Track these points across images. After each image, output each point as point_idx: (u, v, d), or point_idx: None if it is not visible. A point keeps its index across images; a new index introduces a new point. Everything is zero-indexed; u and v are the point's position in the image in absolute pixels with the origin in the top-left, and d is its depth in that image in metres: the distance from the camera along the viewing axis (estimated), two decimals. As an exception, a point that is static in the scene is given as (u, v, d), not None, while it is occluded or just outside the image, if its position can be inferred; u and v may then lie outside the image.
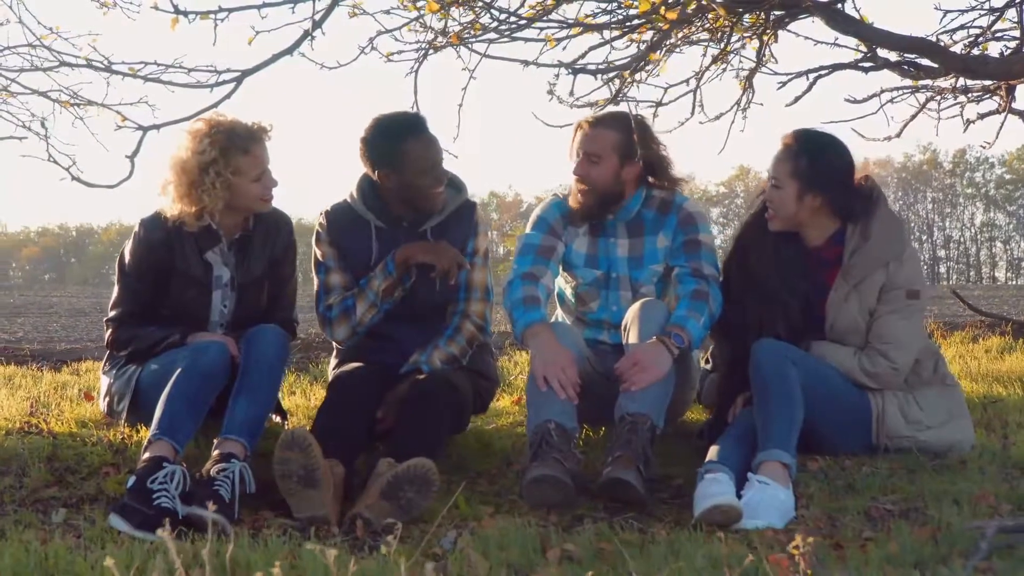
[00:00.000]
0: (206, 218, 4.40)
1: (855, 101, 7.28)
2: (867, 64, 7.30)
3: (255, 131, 4.36)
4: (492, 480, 4.30)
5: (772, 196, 4.44)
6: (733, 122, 6.91)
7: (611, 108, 4.67)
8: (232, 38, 4.20)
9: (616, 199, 4.65)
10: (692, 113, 6.72)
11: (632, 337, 4.39)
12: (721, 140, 7.36)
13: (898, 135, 7.91)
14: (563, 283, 4.88)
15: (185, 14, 3.44)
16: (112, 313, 4.51)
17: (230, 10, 3.54)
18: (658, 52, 6.94)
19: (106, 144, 5.16)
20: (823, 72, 7.43)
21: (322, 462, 3.82)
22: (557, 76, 6.10)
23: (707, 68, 7.17)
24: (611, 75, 3.74)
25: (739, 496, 3.80)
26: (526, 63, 3.67)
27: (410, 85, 5.57)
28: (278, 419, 4.70)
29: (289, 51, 3.27)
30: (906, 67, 7.15)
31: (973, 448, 4.44)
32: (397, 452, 3.95)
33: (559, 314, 5.02)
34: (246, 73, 3.30)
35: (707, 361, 4.99)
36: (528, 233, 4.73)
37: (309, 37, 3.24)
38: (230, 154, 4.29)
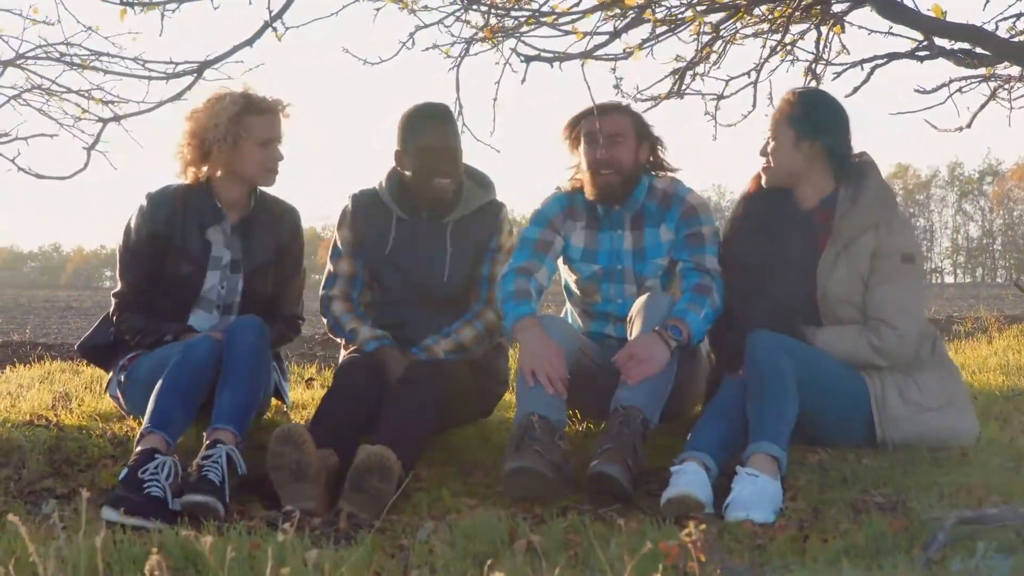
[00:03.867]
0: (211, 192, 4.51)
1: (924, 91, 7.15)
2: (923, 53, 7.20)
3: (271, 101, 4.51)
4: (487, 472, 4.30)
5: (769, 148, 4.49)
6: None
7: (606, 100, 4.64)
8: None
9: (635, 182, 4.66)
10: (754, 106, 6.67)
11: (635, 330, 4.39)
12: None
13: (968, 125, 7.78)
14: (568, 276, 4.88)
15: (132, 5, 3.47)
16: (116, 287, 4.63)
17: (181, 0, 3.56)
18: (715, 45, 6.92)
19: (140, 141, 5.19)
20: (880, 62, 7.34)
21: (315, 457, 3.87)
22: (614, 69, 6.14)
23: (766, 60, 7.13)
24: (573, 60, 3.70)
25: (728, 483, 3.81)
26: (521, 57, 3.65)
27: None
28: (280, 403, 4.84)
29: (249, 42, 3.31)
30: (960, 55, 7.03)
31: (979, 440, 4.35)
32: (378, 440, 3.98)
33: (568, 307, 5.02)
34: (204, 65, 3.33)
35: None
36: (526, 227, 4.75)
37: (269, 28, 3.26)
38: (243, 112, 4.42)
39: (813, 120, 4.42)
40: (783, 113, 4.48)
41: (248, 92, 4.47)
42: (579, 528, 3.48)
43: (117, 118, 3.69)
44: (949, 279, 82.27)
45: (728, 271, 4.55)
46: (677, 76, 7.34)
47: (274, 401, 4.81)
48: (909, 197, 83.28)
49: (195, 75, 3.33)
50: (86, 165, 3.49)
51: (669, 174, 4.80)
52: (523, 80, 3.61)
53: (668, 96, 6.80)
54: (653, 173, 4.77)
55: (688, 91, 7.51)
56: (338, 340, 4.85)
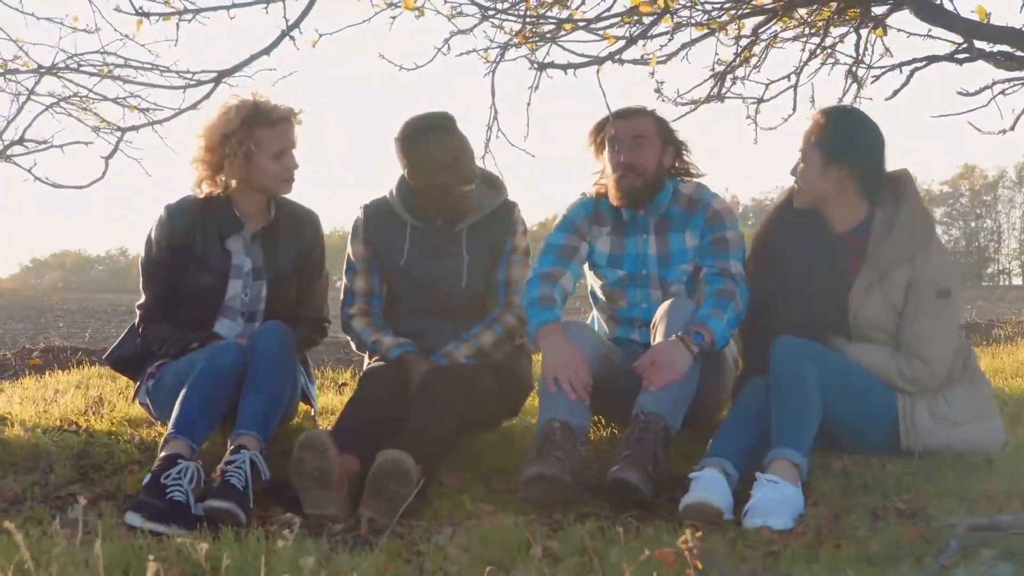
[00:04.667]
0: (229, 202, 4.55)
1: (967, 94, 7.08)
2: (962, 56, 7.14)
3: (283, 110, 4.52)
4: (508, 478, 4.31)
5: (799, 170, 4.41)
6: None
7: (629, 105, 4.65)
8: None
9: (659, 187, 4.65)
10: (794, 109, 6.66)
11: (658, 336, 4.38)
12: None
13: (1012, 128, 7.71)
14: (594, 282, 4.88)
15: (147, 15, 3.51)
16: (140, 300, 4.68)
17: (196, 11, 3.60)
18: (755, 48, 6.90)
19: (175, 148, 5.25)
20: (919, 65, 7.29)
21: (336, 464, 3.91)
22: (652, 73, 6.14)
23: (806, 63, 7.11)
24: (587, 67, 3.71)
25: (748, 490, 3.79)
26: (537, 63, 3.65)
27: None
28: (309, 408, 4.89)
29: (266, 51, 3.32)
30: (1000, 57, 6.97)
31: (1006, 446, 4.31)
32: (400, 446, 4.00)
33: (594, 313, 5.02)
34: (223, 74, 3.37)
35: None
36: (552, 233, 4.76)
37: (287, 37, 3.29)
38: (254, 125, 4.45)
39: (843, 144, 4.32)
40: (812, 135, 4.38)
41: (258, 102, 4.49)
42: (595, 535, 3.48)
43: (133, 128, 3.72)
44: (1017, 280, 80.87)
45: (757, 278, 4.52)
46: (717, 79, 7.34)
47: (302, 406, 4.85)
48: (975, 198, 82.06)
49: (214, 84, 3.35)
50: (103, 174, 3.54)
51: (695, 179, 4.79)
52: (535, 87, 3.61)
53: (708, 100, 6.80)
54: (679, 179, 4.76)
55: (728, 95, 7.52)
56: (364, 355, 4.87)
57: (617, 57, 3.87)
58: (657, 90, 5.57)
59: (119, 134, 3.98)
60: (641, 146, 4.58)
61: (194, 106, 3.34)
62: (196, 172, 4.55)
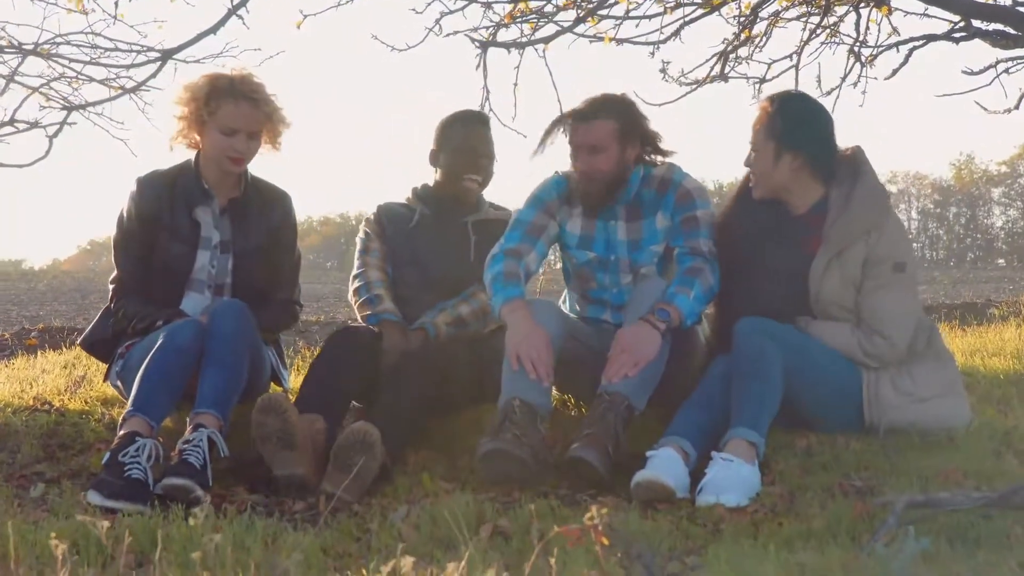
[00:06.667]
0: (199, 174, 4.61)
1: (972, 73, 7.07)
2: (959, 34, 7.12)
3: (251, 91, 4.52)
4: (474, 458, 4.31)
5: (752, 161, 4.40)
6: (838, 97, 6.83)
7: (596, 95, 4.62)
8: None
9: (621, 183, 4.62)
10: (796, 88, 6.68)
11: (628, 317, 4.38)
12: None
13: (1016, 107, 7.67)
14: (567, 260, 4.89)
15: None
16: (113, 274, 4.71)
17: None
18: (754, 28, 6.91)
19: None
20: (917, 44, 7.27)
21: (298, 425, 3.97)
22: (652, 55, 6.14)
23: (807, 42, 7.13)
24: (534, 46, 3.71)
25: (703, 470, 3.81)
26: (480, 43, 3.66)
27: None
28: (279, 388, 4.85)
29: (213, 30, 3.34)
30: (996, 36, 6.94)
31: (971, 425, 4.30)
32: (370, 418, 4.08)
33: (566, 292, 5.02)
34: (168, 53, 3.37)
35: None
36: (521, 209, 4.76)
37: (234, 16, 3.30)
38: (218, 95, 4.49)
39: (793, 131, 4.30)
40: (762, 124, 4.35)
41: (234, 77, 4.52)
42: (546, 514, 3.49)
43: (78, 107, 3.73)
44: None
45: (721, 262, 4.50)
46: (720, 58, 7.34)
47: (274, 387, 4.87)
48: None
49: (159, 63, 3.36)
50: (47, 153, 3.56)
51: (665, 159, 4.76)
52: (477, 67, 3.61)
53: (711, 80, 6.82)
54: (650, 162, 4.72)
55: (732, 75, 7.52)
56: (352, 296, 4.94)
57: (571, 32, 3.85)
58: (662, 70, 5.59)
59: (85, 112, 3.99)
60: (596, 153, 4.52)
61: (139, 86, 3.35)
62: (172, 139, 4.63)
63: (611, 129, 4.52)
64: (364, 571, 2.59)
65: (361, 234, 5.07)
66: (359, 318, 4.89)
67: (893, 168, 73.77)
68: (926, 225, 69.35)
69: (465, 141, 4.90)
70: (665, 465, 3.80)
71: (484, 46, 3.55)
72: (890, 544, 2.79)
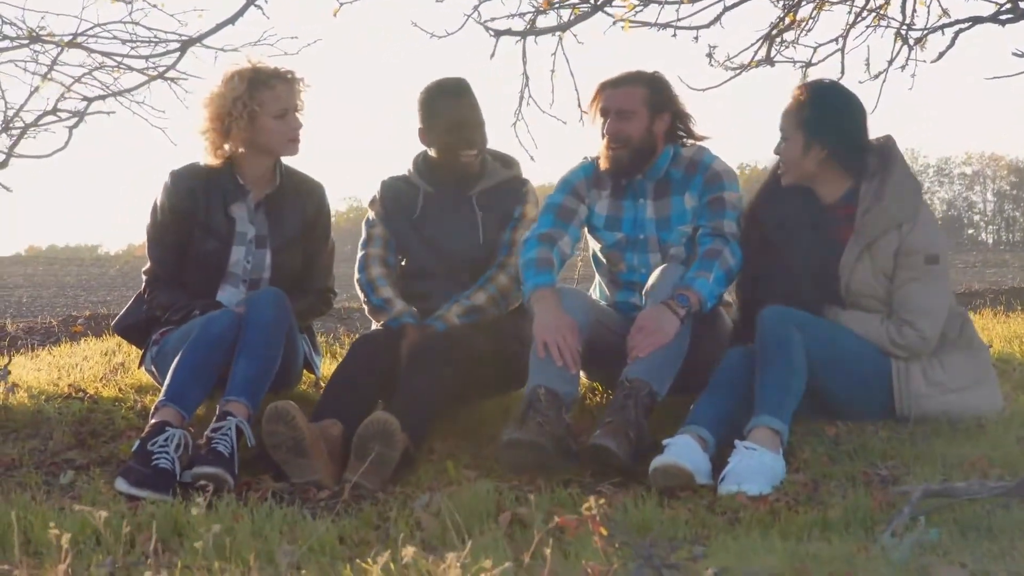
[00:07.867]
0: (233, 170, 4.62)
1: (1022, 55, 6.96)
2: (1005, 16, 7.01)
3: (281, 71, 4.58)
4: (499, 445, 4.33)
5: (781, 149, 4.37)
6: (885, 80, 6.73)
7: (630, 70, 4.62)
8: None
9: (650, 154, 4.61)
10: (842, 72, 6.61)
11: (647, 304, 4.38)
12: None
13: None
14: (594, 245, 4.88)
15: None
16: (146, 266, 4.75)
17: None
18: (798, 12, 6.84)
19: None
20: (963, 26, 7.17)
21: (308, 432, 3.96)
22: (696, 38, 6.11)
23: (852, 25, 7.04)
24: (549, 34, 3.70)
25: (725, 458, 3.80)
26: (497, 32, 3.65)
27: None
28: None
29: (231, 20, 3.35)
30: (1042, 17, 6.84)
31: (1002, 413, 4.25)
32: (392, 410, 4.06)
33: (596, 279, 5.01)
34: (187, 43, 3.39)
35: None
36: (551, 194, 4.76)
37: (253, 5, 3.31)
38: (255, 88, 4.51)
39: (822, 121, 4.28)
40: (792, 113, 4.34)
41: (256, 66, 4.55)
42: (565, 502, 3.49)
43: (100, 97, 3.77)
44: None
45: (750, 251, 4.47)
46: (765, 41, 7.27)
47: (307, 374, 4.91)
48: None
49: (179, 53, 3.38)
50: (67, 143, 3.59)
51: (697, 142, 4.75)
52: (492, 55, 3.60)
53: (756, 64, 6.77)
54: (681, 143, 4.72)
55: (779, 59, 7.45)
56: (364, 302, 4.88)
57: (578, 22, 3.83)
58: (709, 55, 5.55)
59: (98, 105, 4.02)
60: (626, 119, 4.54)
61: (160, 75, 3.37)
62: (208, 142, 4.60)
63: (641, 95, 4.57)
64: (369, 560, 2.60)
65: (367, 217, 4.97)
66: (374, 323, 4.86)
67: (968, 149, 72.43)
68: (1002, 207, 68.19)
69: (452, 117, 4.71)
70: (683, 451, 3.79)
71: (498, 34, 3.55)
72: (902, 534, 2.78)
